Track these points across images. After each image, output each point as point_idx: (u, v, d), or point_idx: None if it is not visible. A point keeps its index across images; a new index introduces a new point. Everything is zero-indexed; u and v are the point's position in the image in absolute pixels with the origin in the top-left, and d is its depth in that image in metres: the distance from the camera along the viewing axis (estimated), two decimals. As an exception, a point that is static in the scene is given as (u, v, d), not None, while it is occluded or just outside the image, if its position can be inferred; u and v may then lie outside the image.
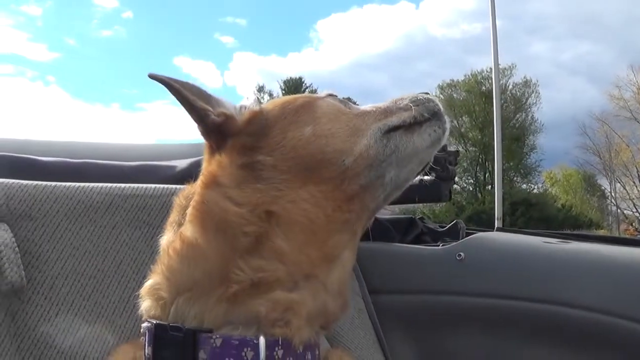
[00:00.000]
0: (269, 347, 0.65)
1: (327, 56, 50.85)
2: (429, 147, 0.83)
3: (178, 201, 0.81)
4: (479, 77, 32.41)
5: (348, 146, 0.76)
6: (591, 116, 31.14)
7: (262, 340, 0.65)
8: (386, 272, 1.41)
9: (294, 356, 0.67)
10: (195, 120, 0.77)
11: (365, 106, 0.85)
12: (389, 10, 51.07)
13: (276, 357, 0.66)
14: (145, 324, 0.70)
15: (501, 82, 27.65)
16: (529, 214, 26.68)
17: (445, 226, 1.57)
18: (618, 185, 31.27)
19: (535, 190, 32.77)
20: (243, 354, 0.64)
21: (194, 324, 0.67)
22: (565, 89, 44.83)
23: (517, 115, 32.37)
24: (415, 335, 1.37)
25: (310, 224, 0.71)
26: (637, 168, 29.82)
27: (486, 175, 31.75)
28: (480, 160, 32.08)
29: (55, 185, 1.00)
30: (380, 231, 1.46)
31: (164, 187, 1.11)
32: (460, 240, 1.41)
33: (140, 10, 50.43)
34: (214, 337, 0.65)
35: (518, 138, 31.77)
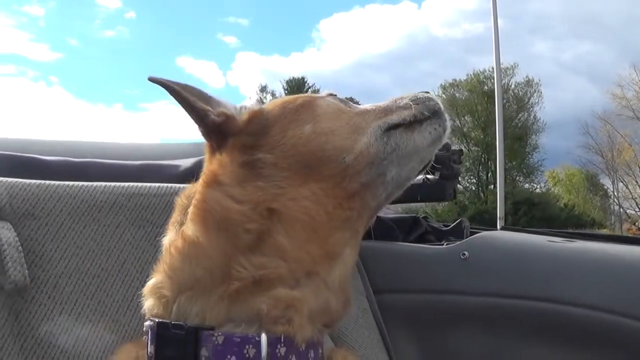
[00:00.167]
0: (271, 344, 0.65)
1: (330, 56, 50.90)
2: (429, 145, 0.83)
3: (180, 201, 0.82)
4: (481, 77, 32.26)
5: (348, 144, 0.76)
6: (593, 115, 31.05)
7: (263, 337, 0.65)
8: (390, 271, 1.40)
9: (296, 354, 0.67)
10: (196, 121, 0.78)
11: (366, 105, 0.85)
12: (391, 10, 51.13)
13: (279, 354, 0.65)
14: (147, 323, 0.70)
15: (503, 81, 27.65)
16: (531, 213, 26.57)
17: (449, 225, 1.57)
18: (621, 184, 31.22)
19: (537, 190, 32.64)
20: (245, 351, 0.64)
21: (196, 322, 0.67)
22: (568, 89, 44.75)
23: (520, 115, 32.25)
24: (419, 334, 1.37)
25: (311, 221, 0.71)
26: (639, 167, 29.74)
27: (489, 175, 31.65)
28: (482, 159, 31.98)
29: (59, 185, 1.00)
30: (383, 230, 1.46)
31: (167, 186, 1.11)
32: (465, 240, 1.40)
33: (143, 10, 50.59)
34: (216, 334, 0.65)
35: (520, 137, 31.65)
